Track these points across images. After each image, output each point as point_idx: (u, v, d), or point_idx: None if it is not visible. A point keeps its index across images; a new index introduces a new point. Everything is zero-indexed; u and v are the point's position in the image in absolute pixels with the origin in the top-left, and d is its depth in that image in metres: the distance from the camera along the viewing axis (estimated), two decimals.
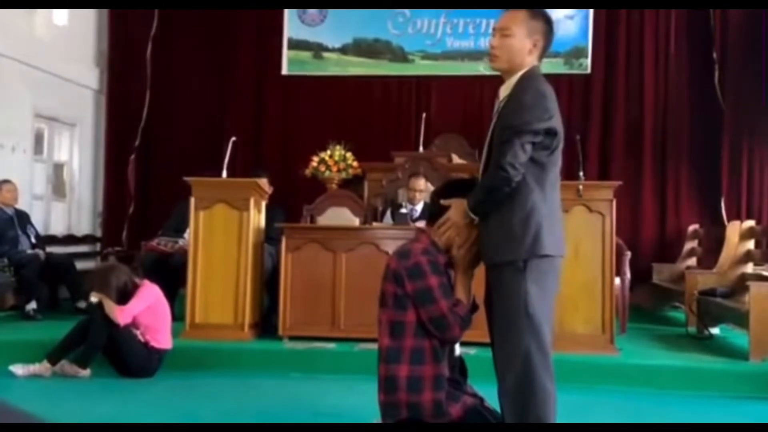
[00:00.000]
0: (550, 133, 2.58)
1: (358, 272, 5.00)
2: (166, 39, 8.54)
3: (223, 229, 5.08)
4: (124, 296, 4.52)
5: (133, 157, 8.43)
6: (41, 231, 7.10)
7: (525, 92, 2.59)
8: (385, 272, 2.77)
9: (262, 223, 5.43)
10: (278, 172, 7.17)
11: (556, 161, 2.66)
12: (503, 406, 2.60)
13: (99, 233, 8.59)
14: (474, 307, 2.80)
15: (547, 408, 2.53)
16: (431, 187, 5.95)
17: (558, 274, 2.66)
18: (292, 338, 5.07)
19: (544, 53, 2.72)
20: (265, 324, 5.40)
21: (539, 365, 2.53)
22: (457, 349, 2.80)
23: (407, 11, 8.36)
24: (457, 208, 2.71)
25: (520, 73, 2.65)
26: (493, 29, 2.72)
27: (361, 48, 8.48)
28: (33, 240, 6.53)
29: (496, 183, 2.55)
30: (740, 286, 5.57)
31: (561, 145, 2.66)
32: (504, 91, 2.70)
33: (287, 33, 8.51)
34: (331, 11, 8.46)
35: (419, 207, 5.94)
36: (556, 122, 2.60)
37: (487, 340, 2.74)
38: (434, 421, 2.61)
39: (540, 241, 2.55)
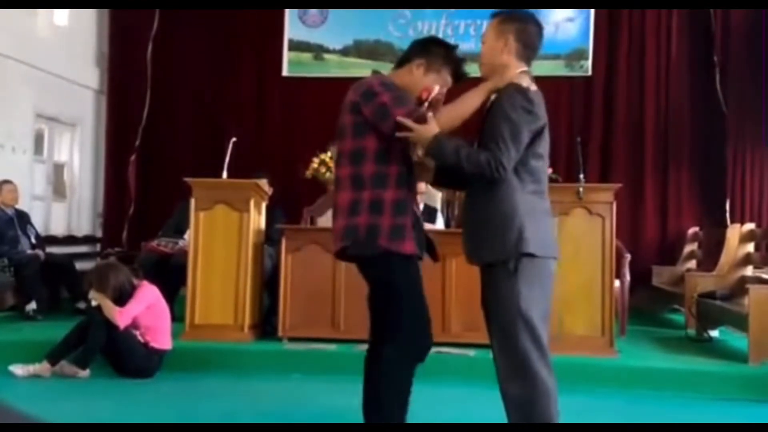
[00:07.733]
0: (538, 133, 2.58)
1: (357, 274, 4.95)
2: (166, 39, 8.53)
3: (223, 230, 5.08)
4: (122, 296, 4.52)
5: (133, 157, 8.43)
6: (41, 231, 7.10)
7: (509, 99, 2.56)
8: (342, 107, 2.77)
9: (263, 224, 5.43)
10: (279, 174, 7.16)
11: (538, 163, 2.63)
12: (509, 408, 2.60)
13: (99, 234, 8.59)
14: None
15: (550, 408, 2.56)
16: (431, 190, 5.94)
17: (551, 277, 2.64)
18: (292, 339, 5.07)
19: (527, 52, 2.69)
20: (265, 325, 5.40)
21: (539, 364, 2.54)
22: (421, 204, 2.79)
23: (408, 13, 8.37)
24: (426, 131, 2.59)
25: (507, 80, 2.64)
26: None
27: (361, 49, 8.48)
28: (33, 240, 6.53)
29: (480, 168, 2.51)
30: (740, 288, 5.56)
31: (544, 148, 2.64)
32: (494, 95, 2.69)
33: (288, 34, 8.50)
34: (331, 13, 8.47)
35: (419, 208, 5.92)
36: (541, 123, 2.60)
37: (486, 341, 2.74)
38: (388, 246, 2.65)
39: (524, 241, 2.54)
